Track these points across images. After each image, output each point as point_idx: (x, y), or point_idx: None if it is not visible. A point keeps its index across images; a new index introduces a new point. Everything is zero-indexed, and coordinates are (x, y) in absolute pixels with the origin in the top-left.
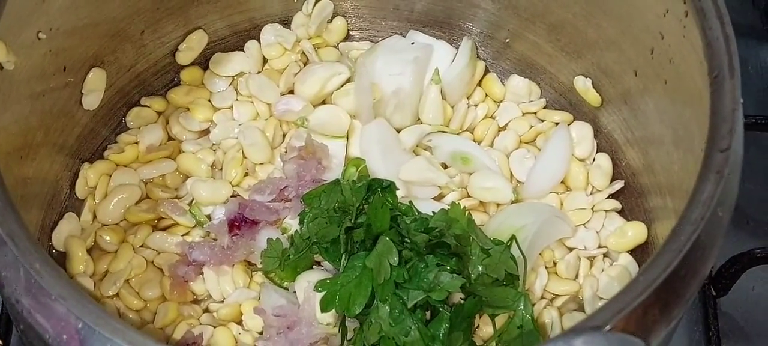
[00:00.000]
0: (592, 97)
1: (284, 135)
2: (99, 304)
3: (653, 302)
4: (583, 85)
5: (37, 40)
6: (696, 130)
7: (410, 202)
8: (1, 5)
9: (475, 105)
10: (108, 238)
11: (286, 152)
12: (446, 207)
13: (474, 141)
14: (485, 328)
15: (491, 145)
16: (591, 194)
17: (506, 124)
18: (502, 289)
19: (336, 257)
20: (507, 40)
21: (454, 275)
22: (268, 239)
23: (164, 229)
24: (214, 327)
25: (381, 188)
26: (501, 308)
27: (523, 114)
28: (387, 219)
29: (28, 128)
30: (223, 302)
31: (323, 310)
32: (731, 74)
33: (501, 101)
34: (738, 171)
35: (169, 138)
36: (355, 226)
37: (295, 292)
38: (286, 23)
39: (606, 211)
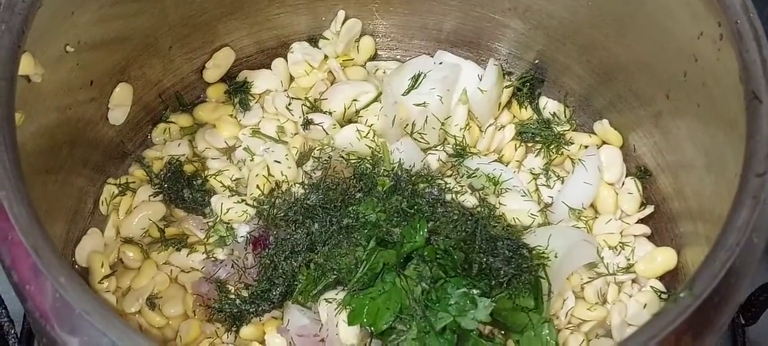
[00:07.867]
0: (613, 136)
1: (310, 152)
2: (123, 319)
3: (686, 330)
4: (601, 127)
5: (64, 54)
6: (729, 154)
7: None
8: (30, 18)
9: (503, 126)
10: (131, 254)
11: (311, 170)
12: None
13: (502, 162)
14: None
15: (519, 167)
16: (620, 218)
17: (534, 146)
18: (525, 314)
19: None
20: (536, 61)
21: (483, 298)
22: None
23: (188, 246)
24: None
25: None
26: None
27: (552, 136)
28: (422, 239)
29: (54, 142)
30: None
31: (350, 323)
32: None
33: (529, 123)
34: None
35: (195, 154)
36: (386, 241)
37: (318, 311)
38: (314, 41)
39: (635, 236)
